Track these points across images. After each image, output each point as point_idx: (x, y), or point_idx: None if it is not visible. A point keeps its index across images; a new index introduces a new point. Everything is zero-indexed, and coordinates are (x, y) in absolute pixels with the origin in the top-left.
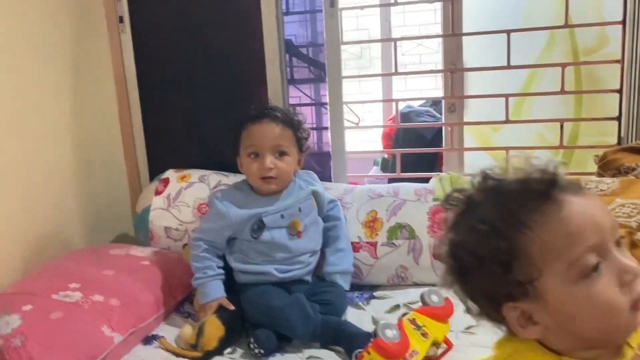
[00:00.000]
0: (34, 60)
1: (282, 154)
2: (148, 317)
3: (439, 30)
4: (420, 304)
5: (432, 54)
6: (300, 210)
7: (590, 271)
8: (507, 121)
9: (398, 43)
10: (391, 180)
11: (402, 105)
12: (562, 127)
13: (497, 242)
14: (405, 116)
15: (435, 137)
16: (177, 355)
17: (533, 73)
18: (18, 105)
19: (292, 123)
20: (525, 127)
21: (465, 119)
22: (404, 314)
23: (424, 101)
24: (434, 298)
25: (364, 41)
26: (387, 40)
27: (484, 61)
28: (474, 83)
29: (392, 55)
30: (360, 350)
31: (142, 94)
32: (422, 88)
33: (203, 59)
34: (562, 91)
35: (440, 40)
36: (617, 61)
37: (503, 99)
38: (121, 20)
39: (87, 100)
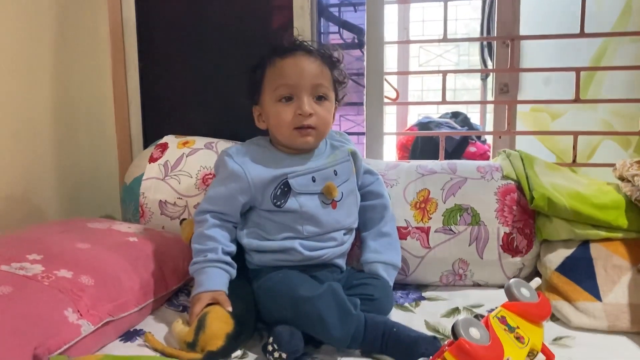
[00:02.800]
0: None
1: (321, 98)
2: (131, 306)
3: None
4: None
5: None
6: (336, 173)
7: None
8: (577, 100)
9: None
10: None
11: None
12: None
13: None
14: (425, 126)
15: (456, 149)
16: (168, 355)
17: (602, 51)
18: None
19: (330, 60)
20: (589, 114)
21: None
22: (489, 311)
23: (443, 112)
24: (525, 292)
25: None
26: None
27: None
28: (529, 65)
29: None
30: (425, 359)
31: (141, 49)
32: (436, 87)
33: (216, 10)
34: None
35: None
36: None
37: (564, 81)
38: None
39: (75, 52)
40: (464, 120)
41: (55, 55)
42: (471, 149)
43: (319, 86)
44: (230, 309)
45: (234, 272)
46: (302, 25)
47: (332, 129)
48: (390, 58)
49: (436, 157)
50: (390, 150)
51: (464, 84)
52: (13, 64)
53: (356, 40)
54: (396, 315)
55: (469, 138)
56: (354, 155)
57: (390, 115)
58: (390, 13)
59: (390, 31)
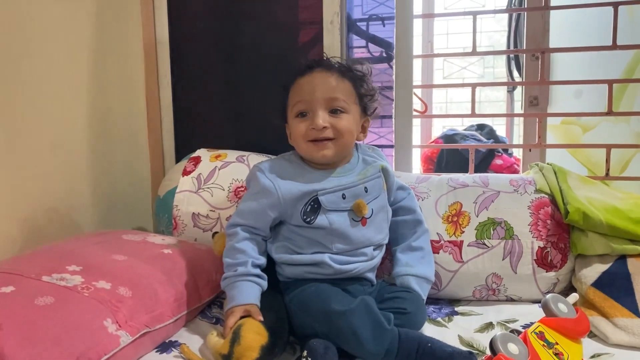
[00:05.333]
0: (52, 13)
1: (337, 111)
2: (166, 317)
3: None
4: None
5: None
6: (366, 190)
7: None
8: (610, 113)
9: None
10: None
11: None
12: None
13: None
14: (450, 139)
15: (483, 161)
16: None
17: (634, 63)
18: (25, 64)
19: (351, 74)
20: (622, 127)
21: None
22: (524, 326)
23: (469, 125)
24: (563, 307)
25: (439, 15)
26: (464, 13)
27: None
28: (559, 77)
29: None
30: None
31: (174, 64)
32: (460, 100)
33: (248, 25)
34: None
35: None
36: None
37: (595, 94)
38: None
39: (110, 66)
40: (490, 133)
41: (91, 70)
42: (497, 161)
43: (334, 100)
44: (261, 318)
45: (265, 284)
46: (332, 40)
47: (364, 142)
48: (415, 71)
49: (461, 170)
50: (415, 162)
51: (488, 96)
52: (53, 79)
53: (384, 54)
54: (429, 330)
55: (495, 150)
56: (385, 171)
57: (415, 128)
58: (415, 26)
59: (415, 44)
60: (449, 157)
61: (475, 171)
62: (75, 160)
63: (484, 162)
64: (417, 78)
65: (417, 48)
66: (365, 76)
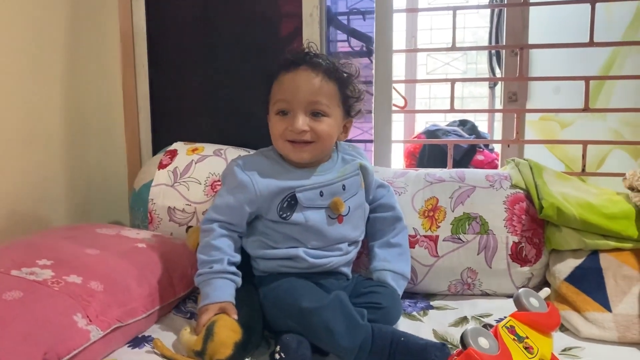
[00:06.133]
0: (25, 1)
1: (318, 114)
2: (139, 312)
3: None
4: (511, 309)
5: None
6: (344, 188)
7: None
8: (586, 109)
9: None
10: None
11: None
12: None
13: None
14: (432, 134)
15: (464, 157)
16: None
17: (611, 60)
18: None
19: (337, 75)
20: (599, 123)
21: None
22: (498, 320)
23: (451, 120)
24: (534, 302)
25: (421, 10)
26: (444, 8)
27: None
28: (537, 73)
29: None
30: None
31: (151, 55)
32: (443, 96)
33: (226, 18)
34: None
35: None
36: None
37: (573, 90)
38: None
39: (85, 57)
40: (472, 129)
41: (65, 60)
42: (479, 157)
43: (315, 103)
44: (236, 316)
45: (239, 280)
46: (311, 33)
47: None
48: (398, 66)
49: (443, 165)
50: (397, 157)
51: (471, 92)
52: (23, 70)
53: (365, 49)
54: (404, 324)
55: (476, 146)
56: (363, 169)
57: (397, 123)
58: (399, 21)
59: (398, 39)
60: (431, 153)
61: (457, 167)
62: (49, 153)
63: (466, 158)
64: (400, 73)
65: (401, 43)
66: (352, 77)
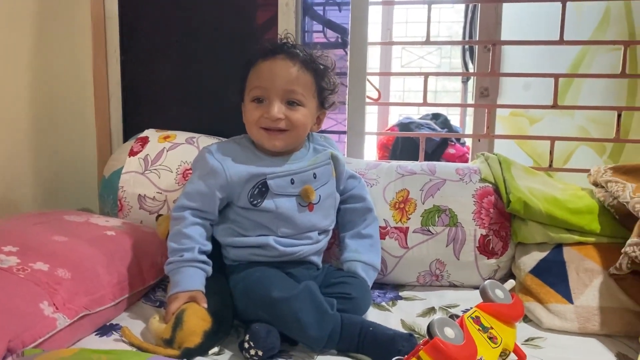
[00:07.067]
0: None
1: (293, 103)
2: (108, 300)
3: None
4: (477, 300)
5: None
6: (315, 176)
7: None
8: (555, 106)
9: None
10: None
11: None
12: (619, 116)
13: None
14: (405, 127)
15: (436, 150)
16: (145, 351)
17: (580, 58)
18: None
19: (314, 67)
20: (567, 120)
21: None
22: (464, 311)
23: (424, 113)
24: (499, 293)
25: (397, 2)
26: (419, 2)
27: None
28: (509, 69)
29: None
30: (400, 357)
31: (123, 42)
32: (417, 89)
33: (201, 4)
34: (624, 74)
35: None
36: None
37: (543, 87)
38: None
39: (56, 43)
40: (444, 122)
41: (35, 46)
42: (450, 150)
43: (291, 92)
44: (205, 305)
45: (210, 269)
46: (287, 23)
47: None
48: (373, 58)
49: (416, 158)
50: (371, 149)
51: (445, 86)
52: None
53: (340, 40)
54: (373, 314)
55: (448, 140)
56: (334, 158)
57: (371, 115)
58: (374, 14)
59: (374, 32)
60: (404, 145)
61: (429, 159)
62: (17, 138)
63: (438, 151)
64: (375, 65)
65: (377, 35)
66: (328, 70)
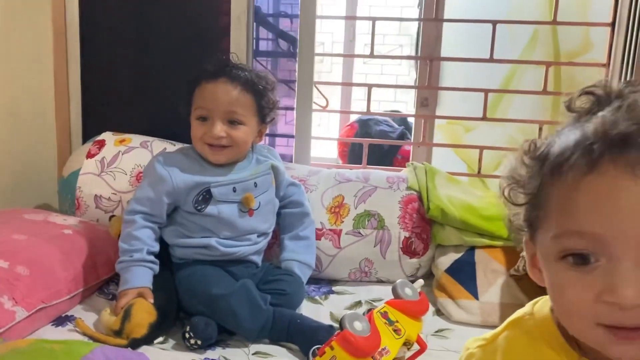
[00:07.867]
0: None
1: (235, 122)
2: (63, 294)
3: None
4: (391, 297)
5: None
6: (256, 185)
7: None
8: (484, 118)
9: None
10: None
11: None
12: (540, 129)
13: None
14: (364, 123)
15: (392, 147)
16: (96, 340)
17: (511, 74)
18: None
19: (254, 88)
20: (498, 129)
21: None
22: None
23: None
24: (408, 291)
25: (343, 17)
26: (365, 18)
27: (463, 55)
28: (449, 80)
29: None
30: (320, 346)
31: (83, 45)
32: (381, 99)
33: (158, 12)
34: (545, 91)
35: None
36: (602, 65)
37: (479, 98)
38: None
39: (17, 45)
40: (402, 120)
41: None
42: (406, 147)
43: (232, 113)
44: (152, 300)
45: (157, 268)
46: (239, 35)
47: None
48: (337, 66)
49: (373, 154)
50: (332, 145)
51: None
52: None
53: (291, 50)
54: (306, 307)
55: (405, 137)
56: (274, 169)
57: (334, 113)
58: (340, 24)
59: (337, 41)
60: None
61: (386, 155)
62: None
63: (393, 149)
64: (338, 74)
65: (339, 45)
66: (267, 90)
